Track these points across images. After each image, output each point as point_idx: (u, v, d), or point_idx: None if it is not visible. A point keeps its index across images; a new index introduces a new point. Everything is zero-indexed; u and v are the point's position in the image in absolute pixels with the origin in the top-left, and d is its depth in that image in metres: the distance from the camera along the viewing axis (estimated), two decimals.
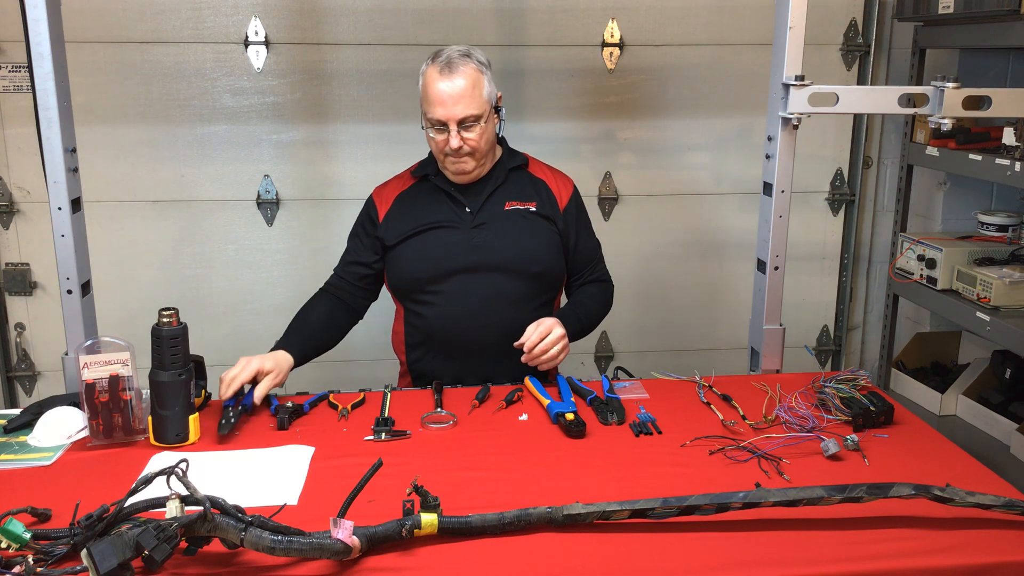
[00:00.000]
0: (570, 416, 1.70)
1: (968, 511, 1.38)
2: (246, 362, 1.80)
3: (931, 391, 2.80)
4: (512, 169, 2.07)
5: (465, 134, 1.92)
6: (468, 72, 1.91)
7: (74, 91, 1.82)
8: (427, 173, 2.06)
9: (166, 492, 1.23)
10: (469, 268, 1.99)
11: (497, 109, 1.99)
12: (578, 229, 2.10)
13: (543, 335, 1.88)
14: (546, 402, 1.79)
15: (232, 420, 1.68)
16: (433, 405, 1.81)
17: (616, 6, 2.86)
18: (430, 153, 2.06)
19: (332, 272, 2.13)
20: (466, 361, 2.01)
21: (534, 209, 2.05)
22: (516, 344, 1.88)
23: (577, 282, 2.15)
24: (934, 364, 3.00)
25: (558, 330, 1.90)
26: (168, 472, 1.22)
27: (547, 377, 2.01)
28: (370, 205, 2.10)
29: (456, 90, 1.89)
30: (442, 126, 1.92)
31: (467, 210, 2.03)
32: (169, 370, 1.61)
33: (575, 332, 1.99)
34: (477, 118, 1.91)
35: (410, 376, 2.11)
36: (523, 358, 1.88)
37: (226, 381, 1.77)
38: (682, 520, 1.34)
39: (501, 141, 2.10)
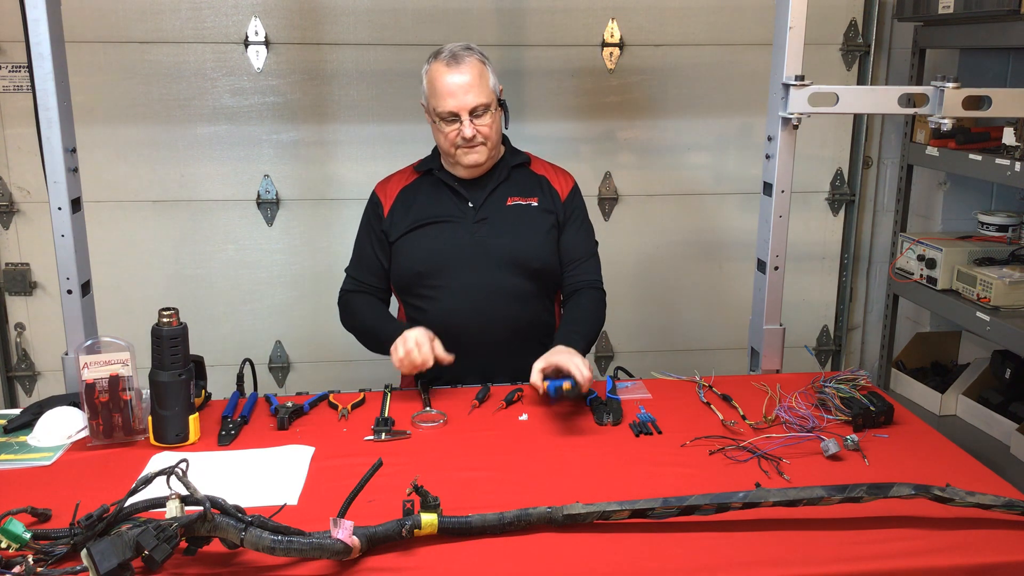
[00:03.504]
0: (567, 385, 1.69)
1: (968, 511, 1.37)
2: (416, 339, 1.82)
3: (931, 391, 2.80)
4: (515, 167, 2.09)
5: (477, 123, 1.94)
6: (473, 63, 1.95)
7: (74, 91, 1.82)
8: (431, 168, 2.08)
9: (166, 492, 1.23)
10: (470, 263, 2.00)
11: (501, 102, 2.01)
12: (573, 219, 2.09)
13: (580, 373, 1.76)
14: (544, 384, 1.75)
15: (233, 432, 1.69)
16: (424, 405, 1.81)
17: (616, 6, 2.86)
18: (434, 149, 2.09)
19: (346, 275, 2.11)
20: (466, 358, 1.99)
21: (536, 204, 2.06)
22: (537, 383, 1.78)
23: (570, 276, 2.07)
24: (934, 364, 3.00)
25: (576, 359, 1.78)
26: (168, 472, 1.22)
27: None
28: (375, 200, 2.11)
29: (465, 80, 1.92)
30: (453, 118, 1.94)
31: (469, 205, 2.04)
32: (169, 370, 1.61)
33: (583, 351, 1.88)
34: (487, 107, 1.95)
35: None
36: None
37: (417, 361, 1.81)
38: (682, 520, 1.34)
39: (504, 140, 2.11)
